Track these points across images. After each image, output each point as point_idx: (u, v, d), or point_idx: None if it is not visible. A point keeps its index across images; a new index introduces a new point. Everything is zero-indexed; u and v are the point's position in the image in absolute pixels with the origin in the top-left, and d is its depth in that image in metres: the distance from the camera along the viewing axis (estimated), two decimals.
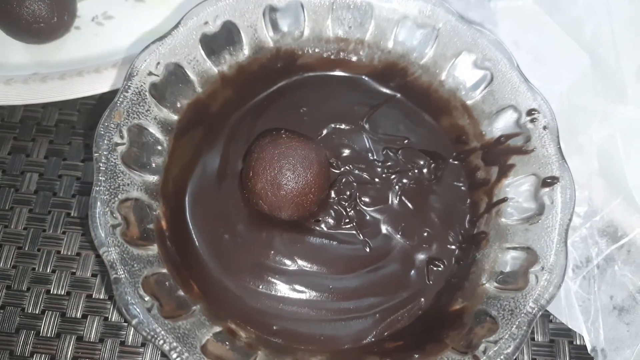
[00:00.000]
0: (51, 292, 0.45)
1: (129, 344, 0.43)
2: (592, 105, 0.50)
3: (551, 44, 0.52)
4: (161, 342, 0.32)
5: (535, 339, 0.45)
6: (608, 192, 0.47)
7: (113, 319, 0.44)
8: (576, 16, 0.51)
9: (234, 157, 0.44)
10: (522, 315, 0.35)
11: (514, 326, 0.34)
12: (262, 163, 0.40)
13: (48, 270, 0.45)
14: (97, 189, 0.36)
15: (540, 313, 0.34)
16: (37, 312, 0.44)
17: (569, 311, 0.45)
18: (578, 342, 0.45)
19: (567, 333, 0.45)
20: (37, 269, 0.46)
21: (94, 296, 0.45)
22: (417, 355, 0.35)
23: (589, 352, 0.44)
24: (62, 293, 0.45)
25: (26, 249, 0.46)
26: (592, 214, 0.47)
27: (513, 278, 0.37)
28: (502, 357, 0.33)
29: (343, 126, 0.46)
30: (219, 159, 0.44)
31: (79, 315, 0.44)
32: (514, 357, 0.33)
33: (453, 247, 0.43)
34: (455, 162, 0.46)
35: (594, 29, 0.51)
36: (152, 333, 0.32)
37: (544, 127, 0.40)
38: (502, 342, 0.34)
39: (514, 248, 0.38)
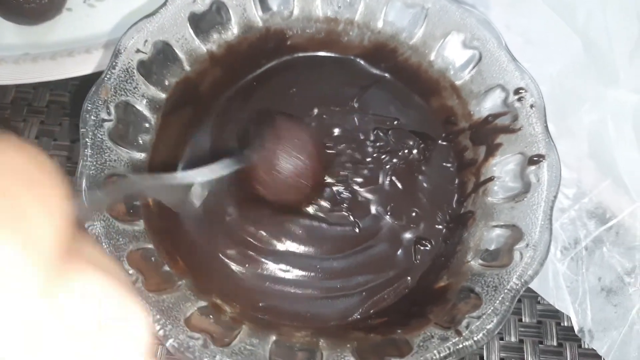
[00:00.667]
0: None
1: None
2: (584, 88, 0.50)
3: (543, 27, 0.52)
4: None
5: (523, 320, 0.45)
6: (597, 175, 0.47)
7: None
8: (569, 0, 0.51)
9: (224, 137, 0.44)
10: (506, 291, 0.35)
11: (497, 302, 0.34)
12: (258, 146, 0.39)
13: None
14: (84, 163, 0.36)
15: (523, 289, 0.35)
16: None
17: (556, 292, 0.45)
18: (565, 324, 0.45)
19: (555, 314, 0.45)
20: None
21: None
22: (400, 330, 0.35)
23: (576, 333, 0.44)
24: None
25: None
26: (581, 196, 0.47)
27: (498, 255, 0.37)
28: (484, 331, 0.33)
29: (333, 107, 0.46)
30: (209, 138, 0.44)
31: None
32: (496, 332, 0.34)
33: (440, 227, 0.43)
34: (444, 143, 0.46)
35: (586, 13, 0.51)
36: None
37: (531, 106, 0.39)
38: (485, 317, 0.34)
39: (500, 226, 0.38)
